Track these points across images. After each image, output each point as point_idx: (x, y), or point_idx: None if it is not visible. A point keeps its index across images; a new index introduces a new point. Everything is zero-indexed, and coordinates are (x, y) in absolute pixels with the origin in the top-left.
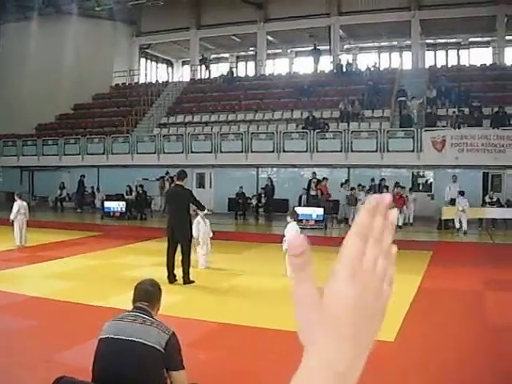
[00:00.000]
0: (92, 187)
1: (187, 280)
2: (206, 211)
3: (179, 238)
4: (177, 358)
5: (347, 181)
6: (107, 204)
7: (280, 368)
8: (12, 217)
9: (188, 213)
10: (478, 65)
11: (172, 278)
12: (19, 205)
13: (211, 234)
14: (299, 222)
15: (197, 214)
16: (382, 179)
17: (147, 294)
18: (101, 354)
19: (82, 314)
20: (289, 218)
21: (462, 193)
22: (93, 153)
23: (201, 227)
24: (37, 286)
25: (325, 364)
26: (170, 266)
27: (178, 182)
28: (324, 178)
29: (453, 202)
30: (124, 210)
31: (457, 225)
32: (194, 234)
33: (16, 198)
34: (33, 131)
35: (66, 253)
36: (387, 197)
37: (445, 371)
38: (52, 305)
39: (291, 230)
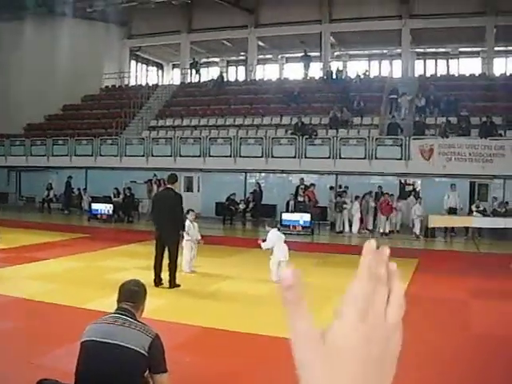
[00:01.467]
0: (79, 189)
1: (173, 284)
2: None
3: (167, 242)
4: (160, 360)
5: (332, 188)
6: (94, 206)
7: (264, 372)
8: None
9: (178, 216)
10: (467, 74)
11: (158, 281)
12: None
13: (199, 237)
14: (285, 227)
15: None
16: (379, 186)
17: (132, 295)
18: (83, 358)
19: (66, 316)
20: (267, 227)
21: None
22: (81, 154)
23: (190, 231)
24: (20, 287)
25: None
26: (158, 269)
27: (168, 186)
28: (311, 184)
29: (451, 210)
30: (111, 212)
31: None
32: (185, 237)
33: None
34: (21, 131)
35: (51, 254)
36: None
37: (427, 379)
38: (35, 306)
39: (272, 236)
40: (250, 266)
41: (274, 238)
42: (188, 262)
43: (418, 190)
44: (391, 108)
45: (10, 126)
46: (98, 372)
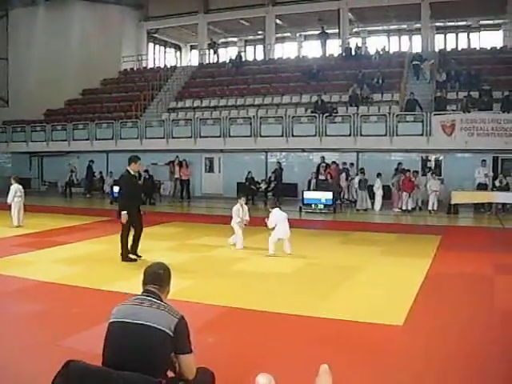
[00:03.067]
0: (100, 172)
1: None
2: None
3: (134, 221)
4: (185, 341)
5: (352, 164)
6: (116, 189)
7: (287, 351)
8: (9, 200)
9: (136, 198)
10: (489, 48)
11: (126, 256)
12: (16, 188)
13: (247, 218)
14: (307, 206)
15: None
16: (399, 163)
17: (157, 277)
18: (110, 338)
19: (91, 298)
20: (269, 208)
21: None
22: (102, 138)
23: (240, 213)
24: (46, 271)
25: None
26: (125, 244)
27: (127, 168)
28: (333, 162)
29: (481, 186)
30: None
31: None
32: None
33: (12, 181)
34: (41, 117)
35: (74, 238)
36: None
37: (453, 356)
38: (61, 289)
39: (275, 215)
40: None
41: (276, 217)
42: (241, 240)
43: (434, 165)
44: (414, 74)
45: (31, 112)
46: (125, 352)
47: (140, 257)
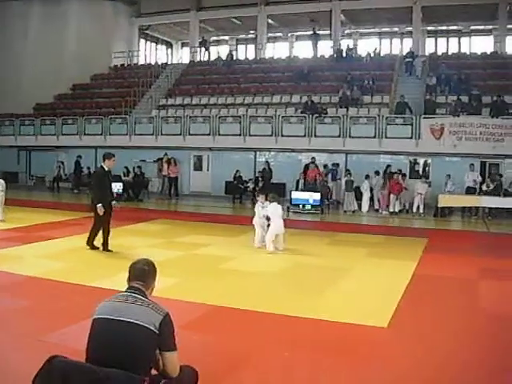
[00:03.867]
0: (88, 168)
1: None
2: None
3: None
4: (170, 338)
5: (325, 166)
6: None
7: (274, 350)
8: None
9: (109, 193)
10: (479, 53)
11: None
12: None
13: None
14: (295, 206)
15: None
16: (388, 165)
17: (142, 274)
18: (94, 335)
19: (76, 294)
20: (270, 199)
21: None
22: (91, 133)
23: (260, 211)
24: (31, 265)
25: None
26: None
27: (101, 164)
28: (312, 163)
29: (470, 190)
30: (121, 191)
31: None
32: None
33: None
34: (31, 111)
35: (61, 233)
36: None
37: (437, 358)
38: (46, 285)
39: (275, 209)
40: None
41: (273, 210)
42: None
43: (422, 168)
44: (406, 70)
45: (20, 106)
46: (108, 349)
47: (111, 251)
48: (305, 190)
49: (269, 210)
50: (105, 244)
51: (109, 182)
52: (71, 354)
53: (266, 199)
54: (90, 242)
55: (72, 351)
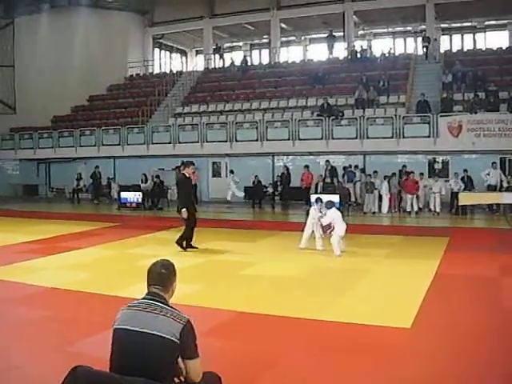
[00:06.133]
0: (108, 178)
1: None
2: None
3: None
4: (191, 346)
5: (356, 167)
6: (124, 195)
7: (297, 355)
8: None
9: (191, 197)
10: (495, 48)
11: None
12: None
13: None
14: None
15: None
16: (404, 166)
17: (160, 278)
18: (115, 344)
19: (99, 304)
20: (326, 207)
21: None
22: (108, 144)
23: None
24: (54, 277)
25: None
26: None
27: (182, 171)
28: (305, 166)
29: (491, 188)
30: (140, 200)
31: None
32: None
33: None
34: (49, 123)
35: (83, 244)
36: None
37: (461, 358)
38: (69, 295)
39: (337, 214)
40: (281, 249)
41: (333, 216)
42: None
43: (440, 167)
44: (424, 55)
45: (38, 119)
46: (130, 359)
47: (196, 248)
48: (323, 192)
49: (329, 216)
50: (186, 243)
51: (190, 186)
52: (95, 363)
53: (253, 207)
54: (187, 244)
55: (95, 361)
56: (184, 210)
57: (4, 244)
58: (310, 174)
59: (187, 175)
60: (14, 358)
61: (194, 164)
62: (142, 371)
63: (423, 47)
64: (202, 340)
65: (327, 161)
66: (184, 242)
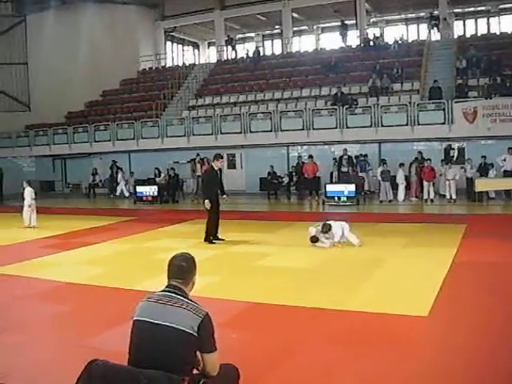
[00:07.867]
0: (116, 167)
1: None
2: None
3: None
4: (209, 340)
5: (366, 155)
6: (139, 189)
7: (315, 345)
8: (30, 202)
9: (216, 189)
10: (509, 32)
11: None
12: (31, 191)
13: None
14: (330, 198)
15: None
16: (419, 152)
17: (180, 271)
18: (134, 337)
19: (117, 298)
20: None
21: None
22: (123, 138)
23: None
24: (71, 271)
25: None
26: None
27: (211, 163)
28: (310, 157)
29: (508, 174)
30: (156, 193)
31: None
32: None
33: (25, 185)
34: (63, 120)
35: (99, 238)
36: None
37: (479, 346)
38: (86, 290)
39: (340, 228)
40: (297, 240)
41: (336, 228)
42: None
43: (456, 154)
44: (435, 29)
45: (52, 116)
46: (148, 351)
47: (223, 239)
48: (339, 182)
49: (335, 234)
50: (212, 234)
51: (216, 179)
52: (112, 357)
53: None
54: (211, 235)
55: (113, 355)
56: (207, 201)
57: (21, 240)
58: (314, 164)
59: (216, 168)
60: (32, 353)
61: (222, 157)
62: (160, 363)
63: (433, 26)
64: (219, 331)
65: (345, 149)
66: (210, 237)
